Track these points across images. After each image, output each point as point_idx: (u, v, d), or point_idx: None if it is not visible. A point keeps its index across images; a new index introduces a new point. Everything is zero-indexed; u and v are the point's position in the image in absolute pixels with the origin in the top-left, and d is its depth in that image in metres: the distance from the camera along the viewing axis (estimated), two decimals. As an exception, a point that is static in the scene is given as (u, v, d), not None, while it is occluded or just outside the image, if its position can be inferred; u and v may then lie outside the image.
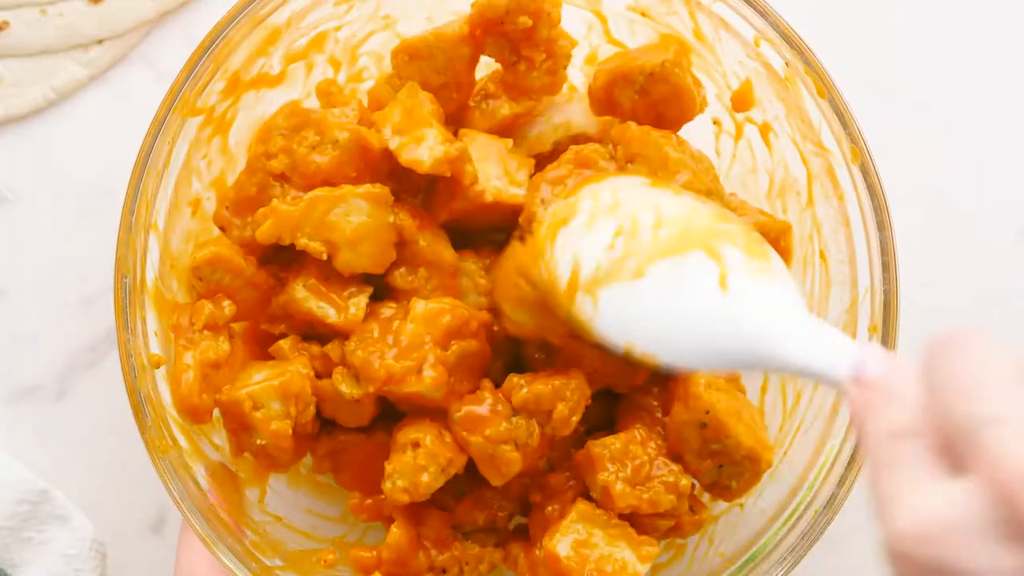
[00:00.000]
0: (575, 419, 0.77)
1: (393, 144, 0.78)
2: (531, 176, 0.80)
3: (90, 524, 0.90)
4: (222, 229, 0.81)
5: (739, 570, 0.79)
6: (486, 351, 0.79)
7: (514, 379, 0.78)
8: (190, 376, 0.77)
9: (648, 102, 0.80)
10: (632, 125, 0.78)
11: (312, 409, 0.78)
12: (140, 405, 0.75)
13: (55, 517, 0.90)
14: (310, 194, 0.77)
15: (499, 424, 0.77)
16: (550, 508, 0.80)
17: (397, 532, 0.78)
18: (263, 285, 0.80)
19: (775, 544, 0.78)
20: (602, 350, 0.71)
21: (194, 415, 0.78)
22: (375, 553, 0.78)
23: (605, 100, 0.82)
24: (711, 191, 0.77)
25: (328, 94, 0.82)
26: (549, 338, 0.77)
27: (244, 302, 0.80)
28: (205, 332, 0.78)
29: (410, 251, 0.79)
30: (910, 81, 0.96)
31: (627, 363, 0.71)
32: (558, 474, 0.81)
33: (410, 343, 0.77)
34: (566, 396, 0.76)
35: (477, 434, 0.77)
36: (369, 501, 0.80)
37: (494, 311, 0.79)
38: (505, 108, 0.83)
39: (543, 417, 0.77)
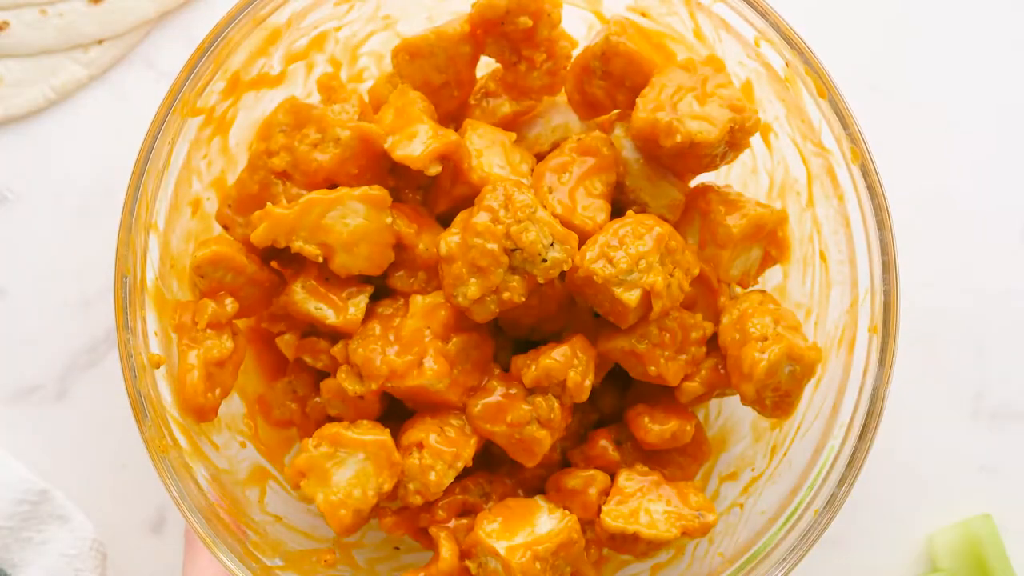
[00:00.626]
0: (588, 383, 0.78)
1: (387, 143, 0.78)
2: (532, 170, 0.81)
3: (90, 524, 0.90)
4: (225, 227, 0.81)
5: (739, 570, 0.79)
6: (488, 342, 0.79)
7: (518, 360, 0.78)
8: (195, 376, 0.77)
9: (615, 82, 0.80)
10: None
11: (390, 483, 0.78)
12: (140, 405, 0.75)
13: (55, 517, 0.90)
14: (305, 197, 0.77)
15: (518, 407, 0.77)
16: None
17: (448, 557, 0.78)
18: (265, 282, 0.80)
19: (775, 544, 0.78)
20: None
21: (199, 414, 0.78)
22: (422, 574, 0.78)
23: (583, 101, 0.82)
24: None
25: (329, 88, 0.82)
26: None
27: (247, 299, 0.80)
28: (208, 331, 0.77)
29: (410, 255, 0.79)
30: (910, 81, 0.96)
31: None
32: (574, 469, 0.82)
33: (410, 338, 0.77)
34: (574, 363, 0.77)
35: (499, 423, 0.78)
36: (403, 513, 0.81)
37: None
38: (505, 106, 0.84)
39: (558, 389, 0.77)
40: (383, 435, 0.77)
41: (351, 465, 0.77)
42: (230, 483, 0.80)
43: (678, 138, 0.76)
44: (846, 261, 0.80)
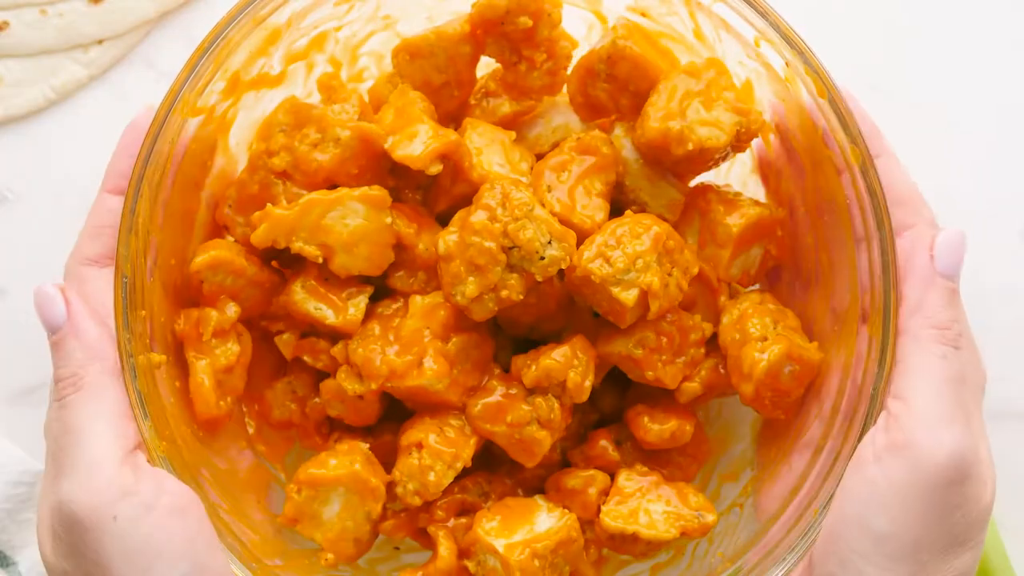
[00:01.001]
0: (588, 383, 0.77)
1: (387, 143, 0.78)
2: (532, 168, 0.81)
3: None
4: (225, 228, 0.81)
5: (739, 570, 0.79)
6: (488, 342, 0.79)
7: (518, 360, 0.78)
8: (207, 386, 0.77)
9: (620, 86, 0.80)
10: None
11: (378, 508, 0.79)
12: (140, 405, 0.74)
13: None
14: (305, 198, 0.77)
15: (518, 408, 0.77)
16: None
17: (447, 556, 0.78)
18: (266, 283, 0.80)
19: (775, 544, 0.78)
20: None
21: (213, 426, 0.78)
22: (420, 573, 0.79)
23: (585, 103, 0.82)
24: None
25: (329, 88, 0.82)
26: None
27: (248, 300, 0.80)
28: (214, 340, 0.78)
29: (409, 255, 0.79)
30: (910, 81, 0.96)
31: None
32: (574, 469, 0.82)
33: (410, 338, 0.77)
34: (574, 364, 0.77)
35: (499, 423, 0.77)
36: (402, 515, 0.81)
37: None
38: (506, 106, 0.83)
39: (558, 390, 0.77)
40: (357, 461, 0.78)
41: (335, 501, 0.78)
42: (230, 483, 0.80)
43: (690, 146, 0.76)
44: (846, 261, 0.78)
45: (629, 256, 0.75)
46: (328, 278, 0.79)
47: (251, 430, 0.84)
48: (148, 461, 0.73)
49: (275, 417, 0.83)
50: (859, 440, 0.74)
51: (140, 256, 0.75)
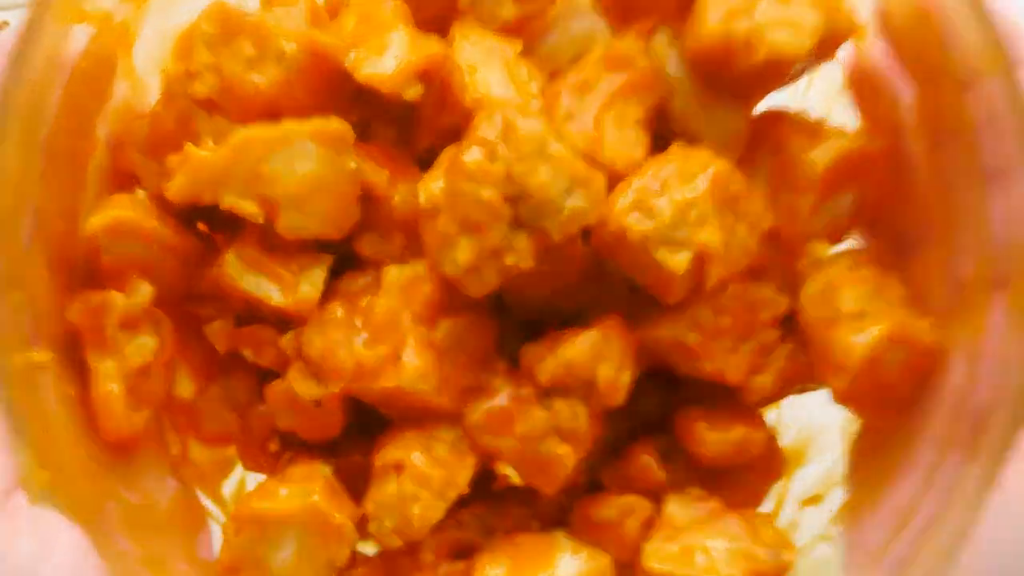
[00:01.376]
0: (625, 380, 0.70)
1: (348, 59, 0.70)
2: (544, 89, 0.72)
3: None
4: (131, 177, 0.72)
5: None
6: (489, 327, 0.72)
7: (531, 351, 0.71)
8: (116, 395, 0.69)
9: None
10: None
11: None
12: (12, 422, 0.62)
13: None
14: (238, 134, 0.68)
15: (531, 415, 0.70)
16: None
17: None
18: (189, 253, 0.72)
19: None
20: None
21: (123, 447, 0.70)
22: None
23: (615, 2, 0.73)
24: None
25: (269, -11, 0.73)
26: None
27: (165, 277, 0.71)
28: (121, 333, 0.70)
29: (382, 211, 0.71)
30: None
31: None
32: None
33: (384, 322, 0.69)
34: (605, 354, 0.69)
35: (506, 436, 0.71)
36: (376, 561, 0.74)
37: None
38: (508, 8, 0.74)
39: (584, 390, 0.70)
40: (315, 490, 0.70)
41: (288, 544, 0.71)
42: (145, 523, 0.70)
43: (760, 55, 0.69)
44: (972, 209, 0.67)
45: (678, 205, 0.65)
46: (273, 245, 0.71)
47: (175, 450, 0.77)
48: (29, 500, 0.62)
49: (207, 431, 0.77)
50: (1000, 455, 0.63)
51: (11, 218, 0.64)
